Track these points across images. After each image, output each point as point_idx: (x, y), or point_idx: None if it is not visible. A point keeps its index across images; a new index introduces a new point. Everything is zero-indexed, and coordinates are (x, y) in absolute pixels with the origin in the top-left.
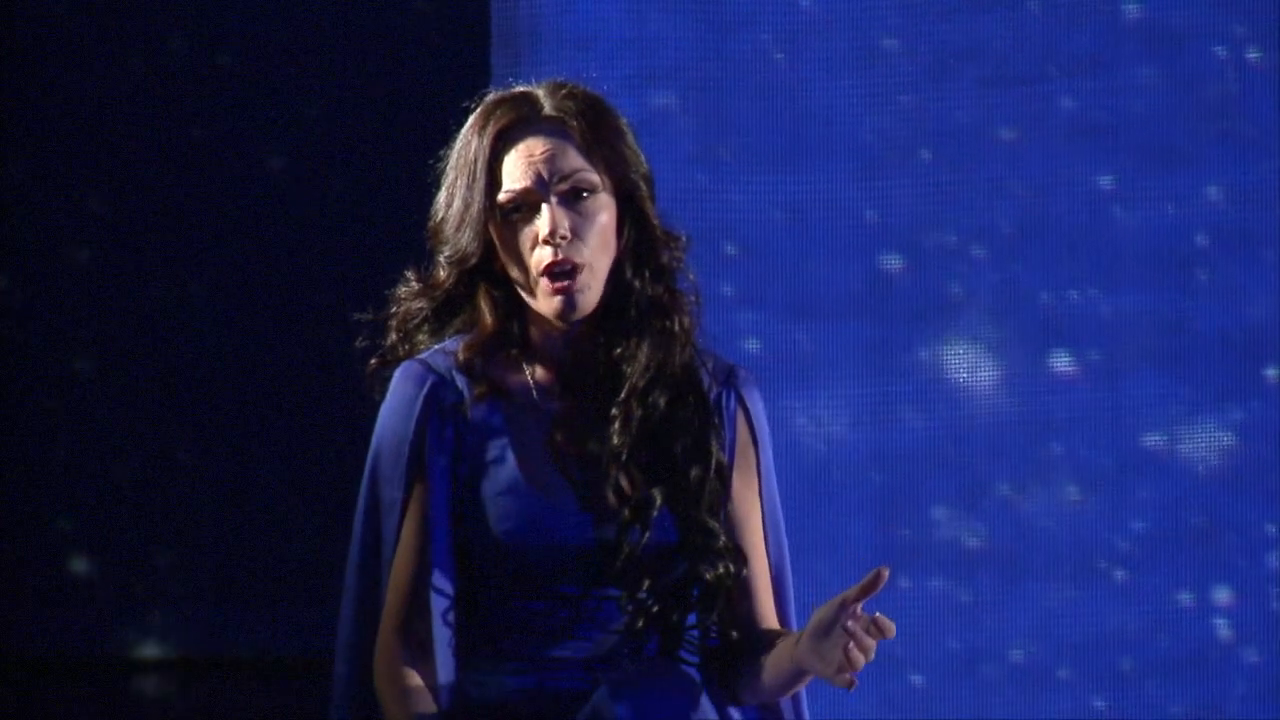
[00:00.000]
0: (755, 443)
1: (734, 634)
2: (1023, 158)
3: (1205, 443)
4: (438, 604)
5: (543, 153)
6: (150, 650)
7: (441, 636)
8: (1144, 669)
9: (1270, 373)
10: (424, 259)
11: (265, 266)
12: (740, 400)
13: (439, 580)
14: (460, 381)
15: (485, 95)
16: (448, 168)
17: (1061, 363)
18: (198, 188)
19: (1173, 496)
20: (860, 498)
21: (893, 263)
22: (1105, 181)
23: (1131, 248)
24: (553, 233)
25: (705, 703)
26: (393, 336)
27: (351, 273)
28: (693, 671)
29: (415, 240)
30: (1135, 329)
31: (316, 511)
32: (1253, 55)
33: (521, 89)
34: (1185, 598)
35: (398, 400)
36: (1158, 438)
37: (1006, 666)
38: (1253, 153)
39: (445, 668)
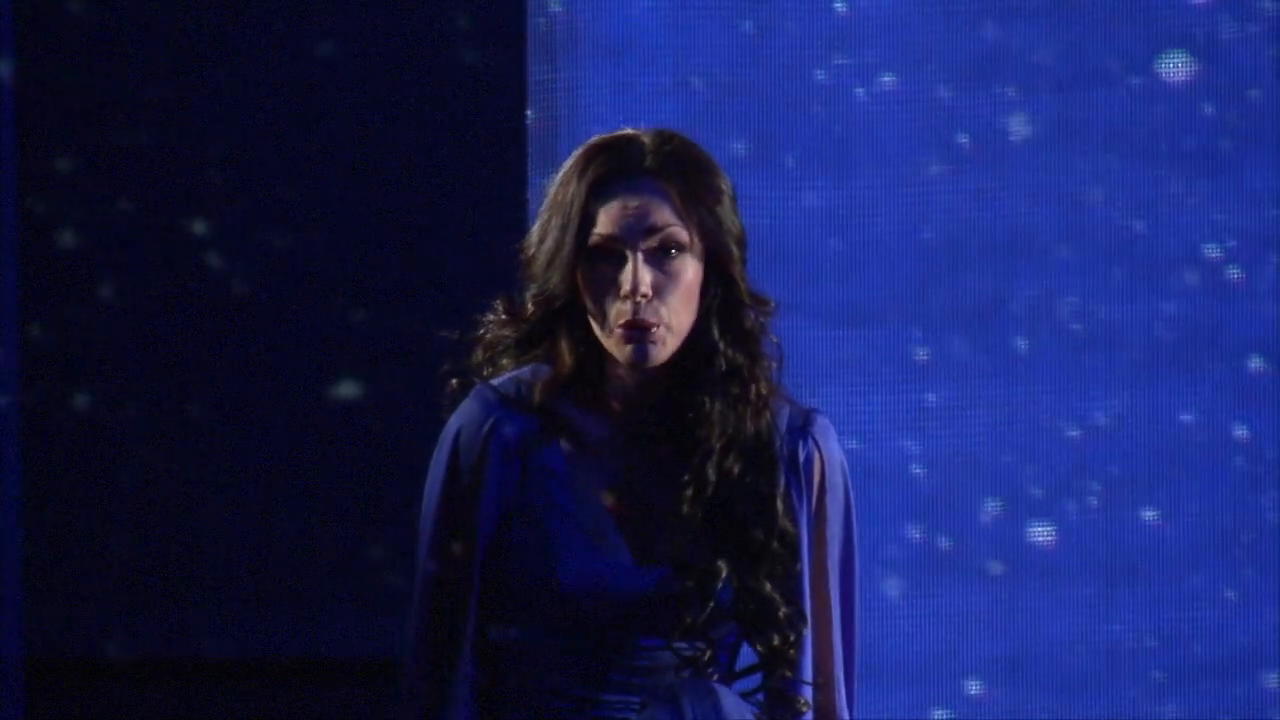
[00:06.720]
0: (827, 490)
1: (800, 702)
2: (1062, 164)
3: (1244, 447)
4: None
5: (636, 207)
6: (151, 651)
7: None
8: (1183, 673)
9: None
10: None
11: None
12: (816, 449)
13: (471, 613)
14: (530, 418)
15: (591, 137)
16: (545, 202)
17: (1099, 368)
18: (237, 201)
19: (1212, 500)
20: (901, 503)
21: (932, 268)
22: (1145, 187)
23: (1170, 254)
24: (634, 289)
25: (750, 715)
26: (479, 356)
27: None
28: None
29: (440, 247)
30: (1173, 335)
31: (316, 512)
32: None
33: (628, 133)
34: (1222, 601)
35: (465, 420)
36: (1195, 442)
37: (1047, 671)
38: None
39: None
